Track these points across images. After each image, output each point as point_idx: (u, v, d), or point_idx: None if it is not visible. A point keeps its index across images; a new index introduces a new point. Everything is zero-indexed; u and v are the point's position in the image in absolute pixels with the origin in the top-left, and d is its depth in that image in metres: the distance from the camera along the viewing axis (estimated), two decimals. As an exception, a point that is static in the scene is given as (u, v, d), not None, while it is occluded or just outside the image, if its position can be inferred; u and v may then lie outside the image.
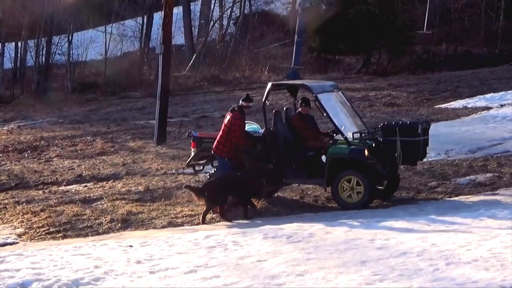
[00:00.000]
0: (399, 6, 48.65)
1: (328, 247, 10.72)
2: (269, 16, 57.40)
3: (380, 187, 15.05)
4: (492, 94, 28.78)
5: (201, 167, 16.63)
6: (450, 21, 49.53)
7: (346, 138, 14.47)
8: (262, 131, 15.42)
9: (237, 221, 13.96)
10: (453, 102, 28.61)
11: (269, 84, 15.59)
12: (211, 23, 49.47)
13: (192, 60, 45.04)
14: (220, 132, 14.95)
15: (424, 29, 46.49)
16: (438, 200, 14.93)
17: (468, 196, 14.93)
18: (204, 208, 14.14)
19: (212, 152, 14.97)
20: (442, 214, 12.99)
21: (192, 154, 15.91)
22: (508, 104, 26.33)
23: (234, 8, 51.62)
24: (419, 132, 14.46)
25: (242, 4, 51.86)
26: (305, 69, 42.48)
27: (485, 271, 8.90)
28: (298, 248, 10.81)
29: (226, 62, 45.35)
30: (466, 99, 28.88)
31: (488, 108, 26.09)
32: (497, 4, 46.60)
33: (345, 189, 14.44)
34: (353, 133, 14.62)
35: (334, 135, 15.07)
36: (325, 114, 14.85)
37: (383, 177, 14.79)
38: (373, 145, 14.59)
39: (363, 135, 14.74)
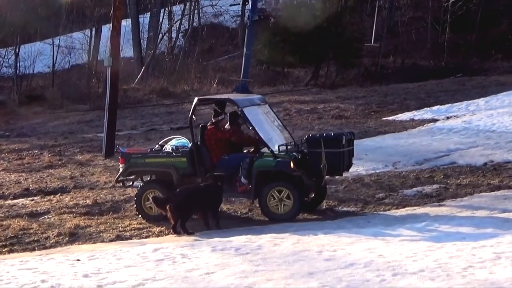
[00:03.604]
0: (347, 19, 49.00)
1: (276, 259, 10.75)
2: (218, 29, 57.60)
3: (306, 199, 15.18)
4: (438, 106, 29.05)
5: (131, 183, 16.57)
6: (397, 34, 50.07)
7: (272, 151, 14.59)
8: (190, 145, 15.46)
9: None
10: (400, 114, 28.84)
11: (195, 99, 15.68)
12: (160, 35, 49.42)
13: (140, 73, 44.86)
14: None
15: (372, 42, 46.91)
16: (386, 211, 15.05)
17: (415, 208, 15.05)
18: (172, 222, 14.02)
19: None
20: (389, 226, 13.12)
21: (121, 170, 15.86)
22: (454, 116, 26.62)
23: (183, 20, 51.64)
24: (343, 143, 14.63)
25: (191, 17, 51.91)
26: (254, 82, 42.51)
27: (430, 281, 9.00)
28: (246, 260, 10.83)
29: (175, 74, 45.24)
30: (413, 111, 29.10)
31: (434, 120, 26.32)
32: (443, 18, 47.17)
33: (273, 200, 14.54)
34: (279, 146, 14.73)
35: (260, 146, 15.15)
36: (251, 128, 14.94)
37: (309, 188, 14.94)
38: (299, 157, 14.70)
39: (289, 147, 14.87)
